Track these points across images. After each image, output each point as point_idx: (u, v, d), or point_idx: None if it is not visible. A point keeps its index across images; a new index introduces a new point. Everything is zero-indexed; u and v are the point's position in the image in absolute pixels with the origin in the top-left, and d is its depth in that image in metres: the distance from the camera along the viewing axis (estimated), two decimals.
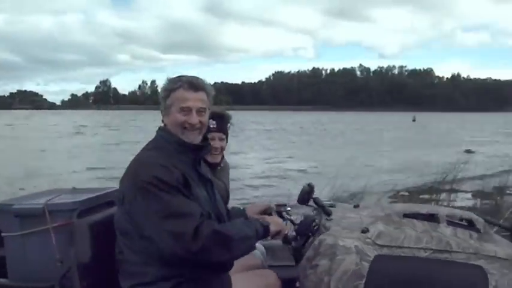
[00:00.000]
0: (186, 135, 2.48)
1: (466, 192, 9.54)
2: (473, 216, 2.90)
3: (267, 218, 2.68)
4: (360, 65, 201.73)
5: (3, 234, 2.83)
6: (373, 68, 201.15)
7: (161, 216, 2.28)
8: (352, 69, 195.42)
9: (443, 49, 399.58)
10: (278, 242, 2.80)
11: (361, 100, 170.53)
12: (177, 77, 2.56)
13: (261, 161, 20.82)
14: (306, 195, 2.95)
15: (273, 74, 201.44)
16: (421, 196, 8.62)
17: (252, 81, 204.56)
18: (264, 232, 2.51)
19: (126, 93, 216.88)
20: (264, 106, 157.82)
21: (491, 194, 8.42)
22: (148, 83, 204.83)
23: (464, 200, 8.84)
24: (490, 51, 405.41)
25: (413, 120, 69.03)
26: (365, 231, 2.64)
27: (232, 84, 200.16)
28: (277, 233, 2.58)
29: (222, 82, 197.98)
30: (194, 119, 2.46)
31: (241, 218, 2.58)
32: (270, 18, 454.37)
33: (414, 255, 2.60)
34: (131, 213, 2.38)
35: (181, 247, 2.24)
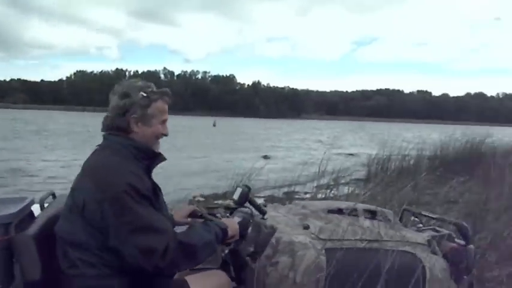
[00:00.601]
0: (155, 146, 2.60)
1: (259, 197, 9.85)
2: (383, 210, 3.40)
3: (224, 220, 2.75)
4: (164, 68, 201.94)
5: None
6: (177, 71, 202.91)
7: (131, 229, 2.27)
8: (157, 72, 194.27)
9: (245, 57, 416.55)
10: None
11: None
12: (148, 84, 2.61)
13: (53, 164, 20.01)
14: (244, 197, 3.06)
15: (74, 73, 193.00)
16: (215, 202, 8.69)
17: (53, 80, 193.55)
18: (223, 235, 2.59)
19: None
20: (64, 106, 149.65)
21: (281, 199, 8.76)
22: None
23: None
24: (288, 61, 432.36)
25: (214, 125, 70.55)
26: (306, 227, 2.95)
27: (30, 81, 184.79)
28: (233, 236, 2.68)
29: (18, 79, 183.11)
30: (167, 130, 2.63)
31: (200, 223, 2.65)
32: (74, 15, 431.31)
33: (354, 246, 2.89)
34: (94, 222, 2.31)
35: (150, 263, 2.27)
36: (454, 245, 3.27)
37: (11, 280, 2.47)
